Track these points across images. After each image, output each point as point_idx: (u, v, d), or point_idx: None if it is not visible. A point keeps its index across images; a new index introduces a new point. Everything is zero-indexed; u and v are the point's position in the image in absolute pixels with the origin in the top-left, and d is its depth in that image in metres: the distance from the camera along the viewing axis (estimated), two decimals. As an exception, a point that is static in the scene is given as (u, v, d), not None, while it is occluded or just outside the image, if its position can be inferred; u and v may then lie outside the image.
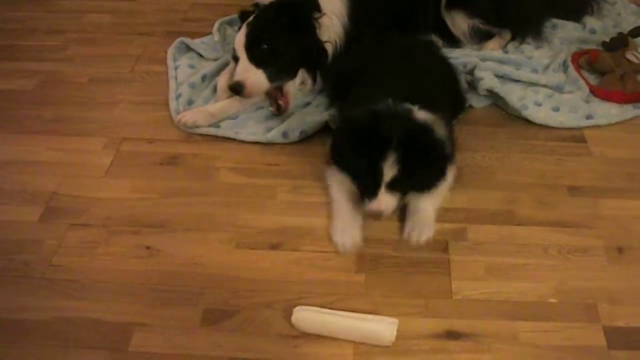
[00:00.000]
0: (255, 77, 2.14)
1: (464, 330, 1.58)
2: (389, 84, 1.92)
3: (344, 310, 1.61)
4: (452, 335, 1.57)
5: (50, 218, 1.91)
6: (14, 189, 2.01)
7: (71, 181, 2.03)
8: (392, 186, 1.70)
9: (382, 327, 1.54)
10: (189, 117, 2.19)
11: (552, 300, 1.65)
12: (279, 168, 2.05)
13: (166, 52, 2.58)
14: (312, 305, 1.61)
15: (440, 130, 1.73)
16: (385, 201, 1.71)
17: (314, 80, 2.29)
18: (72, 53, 2.69)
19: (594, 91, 2.31)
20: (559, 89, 2.34)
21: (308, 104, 2.32)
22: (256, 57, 2.15)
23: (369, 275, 1.71)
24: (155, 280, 1.72)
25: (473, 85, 2.33)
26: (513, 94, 2.27)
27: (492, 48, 2.52)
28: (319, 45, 2.22)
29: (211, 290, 1.69)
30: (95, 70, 2.56)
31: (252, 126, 2.21)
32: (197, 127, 2.19)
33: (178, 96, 2.34)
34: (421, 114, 1.73)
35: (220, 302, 1.66)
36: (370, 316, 1.59)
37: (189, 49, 2.61)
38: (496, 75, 2.34)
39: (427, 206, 1.82)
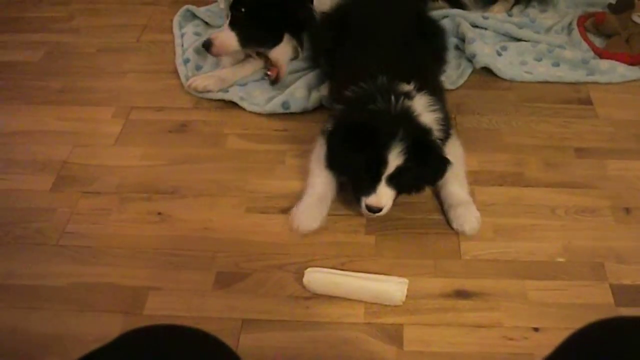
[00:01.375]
0: (224, 37, 2.14)
1: (473, 290, 1.60)
2: (377, 56, 1.89)
3: (354, 271, 1.63)
4: (461, 294, 1.59)
5: (62, 187, 1.93)
6: (25, 158, 2.03)
7: (82, 150, 2.05)
8: (391, 180, 1.66)
9: (392, 287, 1.56)
10: (199, 81, 2.20)
11: (560, 259, 1.67)
12: (287, 133, 2.06)
13: (172, 21, 2.58)
14: (323, 267, 1.63)
15: (438, 112, 1.73)
16: (385, 196, 1.67)
17: (302, 47, 2.27)
18: (78, 24, 2.69)
19: (600, 54, 2.31)
20: (560, 47, 2.35)
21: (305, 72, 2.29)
22: (234, 19, 2.15)
23: (379, 236, 1.73)
24: (167, 245, 1.74)
25: (462, 50, 2.34)
26: (508, 69, 2.27)
27: (497, 11, 2.52)
28: (306, 8, 2.20)
29: (223, 253, 1.71)
30: (101, 41, 2.57)
31: (258, 96, 2.21)
32: (208, 91, 2.21)
33: (186, 61, 2.35)
34: (419, 103, 1.70)
35: (232, 265, 1.68)
36: (381, 276, 1.61)
37: (194, 16, 2.60)
38: (499, 33, 2.39)
39: (461, 193, 1.78)
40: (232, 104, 2.18)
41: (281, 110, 2.13)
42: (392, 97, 1.67)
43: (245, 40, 2.16)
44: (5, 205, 1.88)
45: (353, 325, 1.54)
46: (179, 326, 0.87)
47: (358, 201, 1.70)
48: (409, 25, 2.05)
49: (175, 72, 2.34)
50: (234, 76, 2.24)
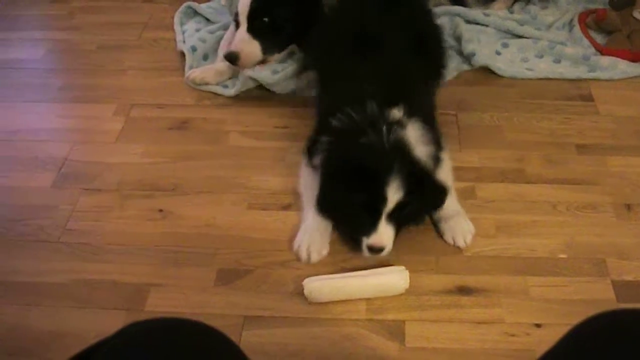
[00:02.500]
0: (250, 49, 2.14)
1: (474, 286, 1.60)
2: (367, 71, 1.80)
3: (356, 268, 1.63)
4: (463, 290, 1.59)
5: (63, 184, 1.93)
6: (26, 156, 2.03)
7: (82, 147, 2.05)
8: (391, 217, 1.60)
9: (395, 277, 1.57)
10: (197, 73, 2.22)
11: (561, 255, 1.67)
12: (288, 130, 2.06)
13: (172, 18, 2.58)
14: (323, 264, 1.64)
15: (429, 141, 1.69)
16: (387, 234, 1.61)
17: (302, 50, 2.24)
18: (79, 21, 2.69)
19: (602, 50, 2.31)
20: (561, 44, 2.35)
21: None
22: (255, 29, 2.14)
23: (380, 233, 1.73)
24: (169, 242, 1.74)
25: (459, 50, 2.33)
26: (509, 67, 2.27)
27: (498, 8, 2.52)
28: (319, 7, 2.18)
29: (224, 250, 1.71)
30: (102, 38, 2.57)
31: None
32: (206, 84, 2.22)
33: (193, 49, 2.35)
34: (411, 133, 1.65)
35: (233, 262, 1.68)
36: (379, 269, 1.60)
37: (196, 13, 2.60)
38: (500, 30, 2.39)
39: (451, 205, 1.73)
40: (233, 102, 2.18)
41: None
42: (384, 128, 1.62)
43: (269, 48, 2.17)
44: (7, 202, 1.88)
45: (355, 322, 1.53)
46: (182, 319, 0.87)
47: (357, 242, 1.65)
48: (407, 36, 1.95)
49: (177, 69, 2.34)
50: (232, 69, 2.24)
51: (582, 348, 0.81)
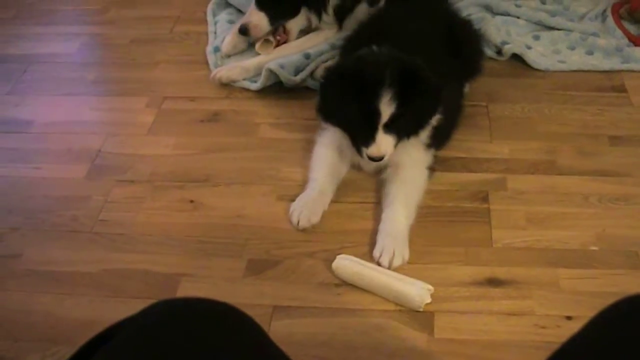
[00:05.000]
0: (257, 19, 2.26)
1: (505, 278, 1.59)
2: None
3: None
4: (493, 282, 1.58)
5: (96, 175, 1.95)
6: (60, 148, 2.06)
7: (115, 139, 2.07)
8: (389, 127, 1.65)
9: (414, 291, 1.52)
10: (223, 72, 2.24)
11: (593, 247, 1.65)
12: (318, 123, 2.05)
13: (204, 13, 2.60)
14: (353, 255, 1.63)
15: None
16: (385, 143, 1.66)
17: (319, 18, 2.34)
18: (112, 16, 2.72)
19: (635, 41, 2.27)
20: (593, 35, 2.32)
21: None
22: (262, 1, 2.26)
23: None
24: (199, 232, 1.75)
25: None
26: (542, 60, 2.24)
27: (530, -1, 2.50)
28: None
29: (254, 241, 1.72)
30: (135, 32, 2.59)
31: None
32: (233, 82, 2.25)
33: (215, 50, 2.37)
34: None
35: (263, 253, 1.69)
36: (408, 278, 1.57)
37: (228, 4, 2.62)
38: (531, 22, 2.37)
39: (400, 221, 1.69)
40: (264, 94, 2.19)
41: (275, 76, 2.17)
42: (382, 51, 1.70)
43: (273, 18, 2.27)
44: (42, 194, 1.91)
45: (384, 313, 1.53)
46: (209, 300, 0.88)
47: (358, 151, 1.71)
48: (438, 34, 1.98)
49: (208, 62, 2.35)
50: (258, 67, 2.25)
51: (608, 331, 0.80)
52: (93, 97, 2.28)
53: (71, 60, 2.47)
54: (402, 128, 1.68)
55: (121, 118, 2.16)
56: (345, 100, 1.66)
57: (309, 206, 1.75)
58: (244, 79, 2.25)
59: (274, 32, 2.31)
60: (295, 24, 2.32)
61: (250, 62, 2.27)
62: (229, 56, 2.34)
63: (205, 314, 0.83)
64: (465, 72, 2.05)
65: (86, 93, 2.30)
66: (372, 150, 1.67)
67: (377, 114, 1.62)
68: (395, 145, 1.70)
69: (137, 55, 2.47)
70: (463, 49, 2.00)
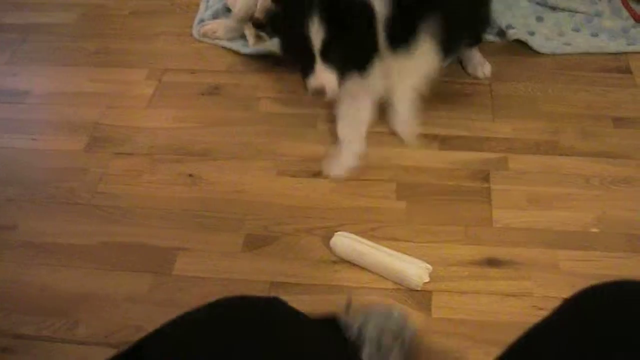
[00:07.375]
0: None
1: (503, 258, 1.58)
2: None
3: (384, 237, 1.62)
4: (492, 262, 1.58)
5: (94, 147, 1.94)
6: (58, 119, 2.05)
7: (114, 111, 2.05)
8: (328, 57, 1.62)
9: (412, 271, 1.53)
10: (209, 27, 2.26)
11: (593, 230, 1.64)
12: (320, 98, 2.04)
13: (205, -16, 2.57)
14: (352, 232, 1.62)
15: None
16: (324, 75, 1.63)
17: None
18: (113, -14, 2.69)
19: (640, 20, 2.26)
20: (598, 16, 2.29)
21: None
22: None
23: (410, 202, 1.72)
24: (197, 207, 1.74)
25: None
26: (546, 44, 2.21)
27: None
28: None
29: (253, 216, 1.71)
30: (135, 3, 2.55)
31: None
32: (217, 38, 2.25)
33: (200, 22, 2.37)
34: None
35: (261, 228, 1.68)
36: (407, 257, 1.57)
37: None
38: (534, 2, 2.34)
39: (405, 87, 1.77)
40: (265, 68, 2.17)
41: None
42: None
43: None
44: (39, 165, 1.90)
45: (382, 291, 1.53)
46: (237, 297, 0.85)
47: (307, 87, 1.70)
48: None
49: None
50: (240, 26, 2.25)
51: (585, 319, 0.77)
52: (92, 68, 2.25)
53: (71, 31, 2.44)
54: (342, 59, 1.64)
55: (120, 90, 2.14)
56: (284, 31, 1.70)
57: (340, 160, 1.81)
58: (228, 39, 2.26)
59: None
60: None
61: (233, 21, 2.26)
62: (207, 37, 2.30)
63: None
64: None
65: (85, 64, 2.27)
66: (313, 80, 1.64)
67: (309, 40, 1.59)
68: (341, 79, 1.66)
69: (136, 26, 2.43)
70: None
